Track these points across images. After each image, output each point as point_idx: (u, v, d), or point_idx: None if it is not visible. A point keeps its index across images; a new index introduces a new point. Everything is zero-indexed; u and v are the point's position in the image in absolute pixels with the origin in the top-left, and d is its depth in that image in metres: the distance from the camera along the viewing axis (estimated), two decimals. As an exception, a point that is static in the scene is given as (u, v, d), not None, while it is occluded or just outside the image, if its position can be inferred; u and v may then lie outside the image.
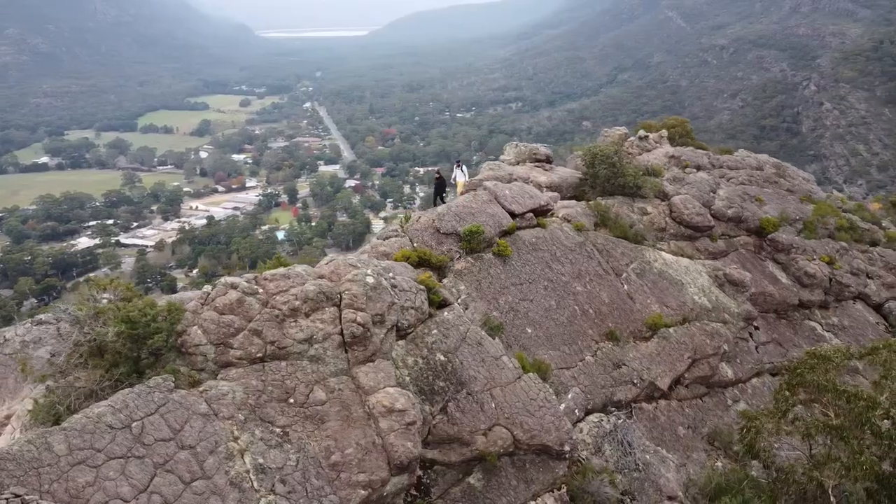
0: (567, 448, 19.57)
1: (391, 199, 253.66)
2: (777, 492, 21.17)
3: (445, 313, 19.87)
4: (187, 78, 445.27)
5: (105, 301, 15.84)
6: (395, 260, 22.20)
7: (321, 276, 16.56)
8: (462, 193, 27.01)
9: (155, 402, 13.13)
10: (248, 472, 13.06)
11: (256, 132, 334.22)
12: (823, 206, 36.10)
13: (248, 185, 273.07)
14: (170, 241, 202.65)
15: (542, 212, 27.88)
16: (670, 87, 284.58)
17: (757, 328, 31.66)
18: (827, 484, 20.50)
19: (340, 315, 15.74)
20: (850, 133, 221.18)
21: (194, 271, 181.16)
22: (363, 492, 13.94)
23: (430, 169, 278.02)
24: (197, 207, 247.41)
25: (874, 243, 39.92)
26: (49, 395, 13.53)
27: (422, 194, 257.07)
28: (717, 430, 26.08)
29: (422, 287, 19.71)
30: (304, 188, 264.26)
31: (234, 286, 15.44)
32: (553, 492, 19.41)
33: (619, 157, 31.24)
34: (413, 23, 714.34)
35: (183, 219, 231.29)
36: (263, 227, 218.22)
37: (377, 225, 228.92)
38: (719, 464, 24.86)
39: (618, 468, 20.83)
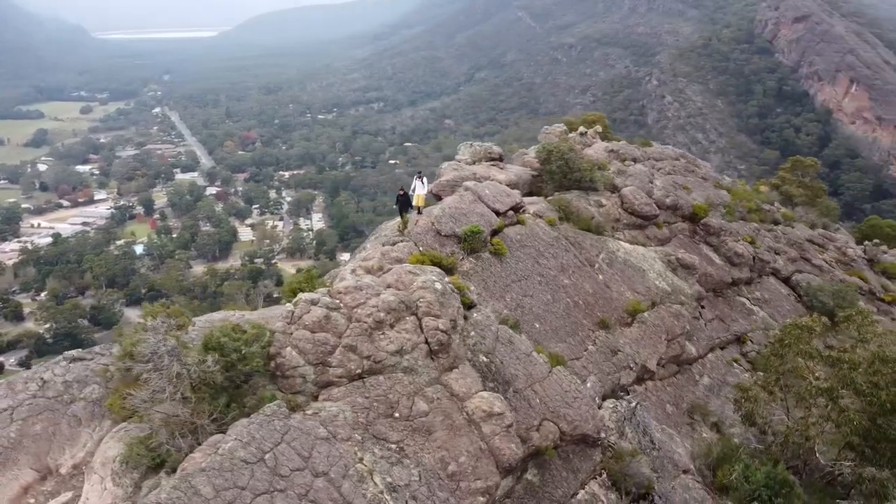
0: (602, 435, 20.35)
1: (257, 206, 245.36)
2: (777, 454, 23.15)
3: (475, 314, 19.95)
4: (17, 84, 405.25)
5: (163, 328, 14.63)
6: (410, 264, 21.96)
7: (388, 286, 16.14)
8: (420, 205, 26.29)
9: (278, 431, 12.34)
10: (381, 492, 12.61)
11: (102, 140, 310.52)
12: (739, 191, 39.44)
13: (96, 197, 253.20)
14: (10, 262, 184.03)
15: (516, 209, 28.50)
16: (526, 85, 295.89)
17: (703, 307, 34.17)
18: (814, 442, 22.77)
19: (421, 324, 15.45)
20: (689, 123, 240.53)
21: (42, 294, 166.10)
22: (482, 498, 13.86)
23: (295, 172, 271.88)
24: (39, 225, 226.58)
25: (776, 222, 44.17)
26: (151, 436, 12.30)
27: (289, 199, 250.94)
28: (695, 405, 27.98)
29: (456, 290, 19.67)
30: (160, 198, 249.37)
31: (314, 302, 14.72)
32: (596, 478, 20.10)
33: (574, 154, 32.47)
34: (265, 23, 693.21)
35: (24, 238, 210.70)
36: (119, 242, 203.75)
37: (244, 233, 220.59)
38: (705, 434, 26.72)
39: (640, 448, 21.86)
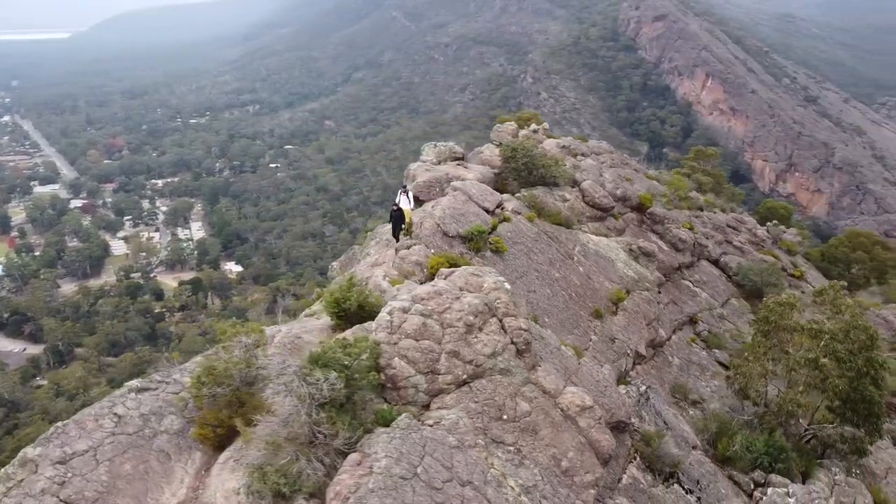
0: (633, 420, 21.18)
1: (129, 217, 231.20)
2: (770, 423, 25.00)
3: (506, 313, 20.18)
4: None
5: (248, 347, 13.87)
6: (431, 268, 21.85)
7: (461, 289, 16.02)
8: (411, 222, 24.98)
9: (418, 444, 12.04)
10: (519, 495, 12.60)
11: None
12: (675, 181, 41.91)
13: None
14: None
15: (499, 207, 28.92)
16: (404, 84, 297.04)
17: (660, 292, 36.10)
18: (805, 409, 24.83)
19: (503, 324, 15.48)
20: (565, 118, 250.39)
21: None
22: (592, 491, 14.16)
23: (170, 180, 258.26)
24: None
25: (700, 209, 47.24)
26: (288, 463, 11.58)
27: (164, 208, 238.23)
28: (676, 385, 29.59)
29: (490, 290, 19.80)
30: (18, 214, 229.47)
31: (405, 310, 14.39)
32: (632, 462, 20.88)
33: (538, 151, 33.30)
34: (124, 24, 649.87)
35: None
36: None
37: (117, 247, 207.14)
38: (691, 412, 28.33)
39: (658, 430, 22.93)
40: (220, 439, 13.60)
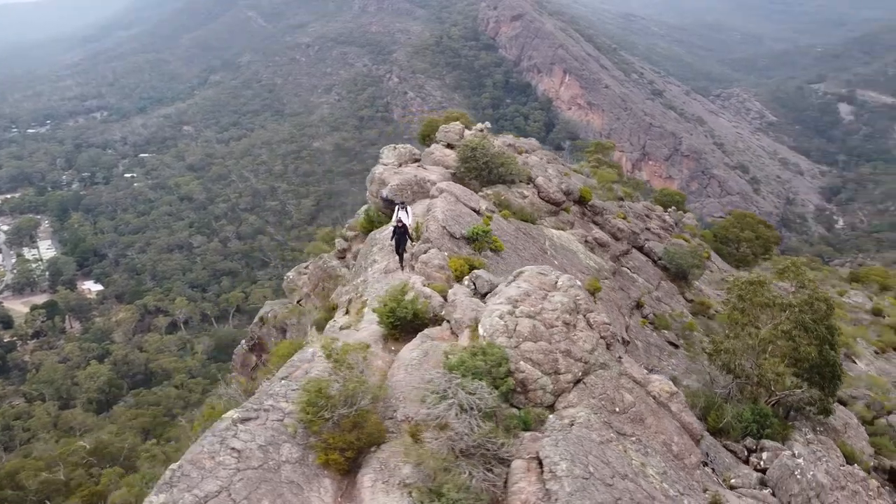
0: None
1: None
2: (755, 394, 27.04)
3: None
4: None
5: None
6: (455, 271, 21.81)
7: (540, 288, 16.16)
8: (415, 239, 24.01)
9: (577, 444, 12.13)
10: (661, 482, 13.01)
11: None
12: (602, 174, 44.02)
13: None
14: None
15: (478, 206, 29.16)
16: (266, 86, 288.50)
17: (607, 279, 37.87)
18: (778, 379, 27.10)
19: (588, 320, 15.81)
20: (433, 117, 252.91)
21: None
22: (698, 472, 14.85)
23: (9, 196, 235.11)
24: None
25: (621, 199, 49.91)
26: (469, 476, 11.26)
27: (5, 227, 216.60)
28: (649, 366, 31.25)
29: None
30: None
31: (511, 313, 14.34)
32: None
33: (496, 150, 33.85)
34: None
35: None
36: None
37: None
38: (668, 390, 30.06)
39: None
40: (348, 463, 12.99)
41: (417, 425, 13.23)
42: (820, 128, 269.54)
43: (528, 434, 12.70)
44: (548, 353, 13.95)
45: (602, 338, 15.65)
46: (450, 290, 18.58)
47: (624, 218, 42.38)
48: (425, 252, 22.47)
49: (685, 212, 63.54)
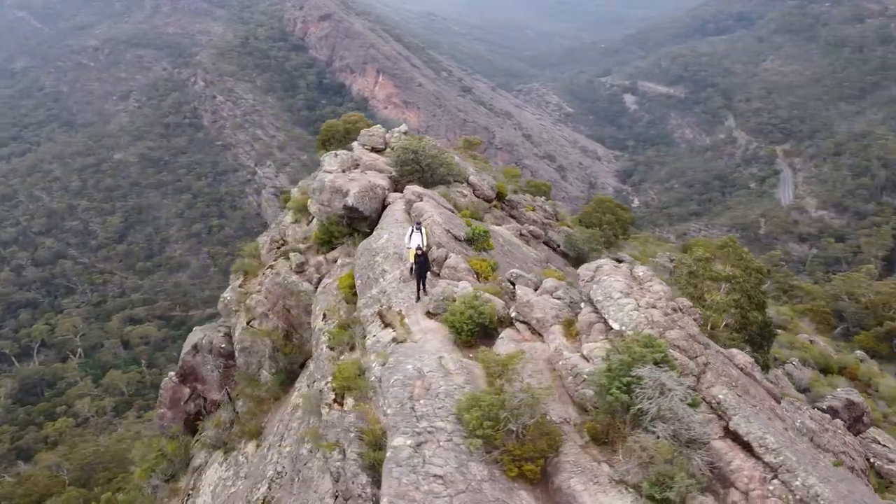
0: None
1: None
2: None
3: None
4: None
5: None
6: (477, 272, 21.96)
7: (632, 279, 16.90)
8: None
9: (756, 419, 13.05)
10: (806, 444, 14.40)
11: None
12: (508, 170, 45.70)
13: None
14: None
15: (445, 208, 29.26)
16: (50, 95, 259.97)
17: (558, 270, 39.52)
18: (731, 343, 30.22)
19: (679, 305, 16.85)
20: (247, 121, 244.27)
21: None
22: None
23: None
24: None
25: (515, 192, 51.96)
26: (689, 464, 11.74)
27: None
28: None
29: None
30: None
31: (639, 306, 14.93)
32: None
33: (438, 151, 34.02)
34: None
35: None
36: None
37: None
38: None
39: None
40: (541, 472, 12.92)
41: (594, 424, 13.49)
42: (610, 117, 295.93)
43: (698, 416, 13.44)
44: (684, 339, 14.78)
45: (694, 320, 16.77)
46: (519, 291, 18.73)
47: (533, 210, 44.36)
48: (447, 257, 22.32)
49: (550, 200, 67.45)
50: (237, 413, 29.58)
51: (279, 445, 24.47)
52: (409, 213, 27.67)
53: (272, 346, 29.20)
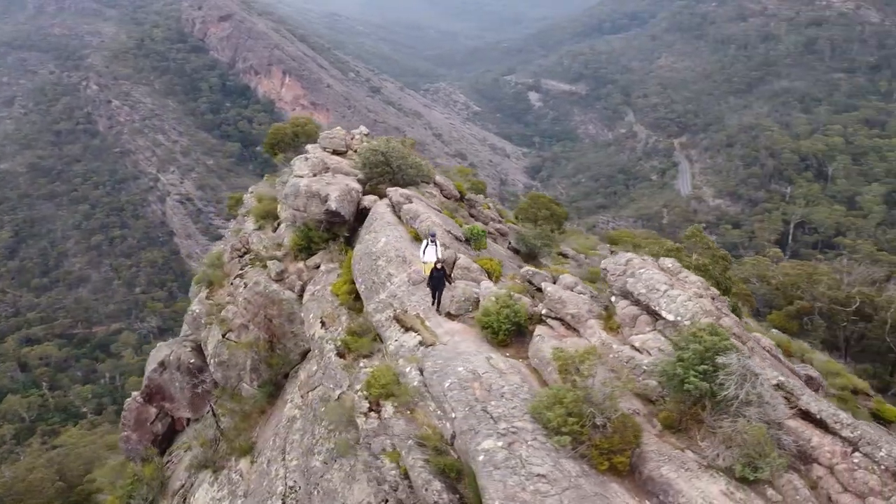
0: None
1: None
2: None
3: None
4: None
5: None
6: (488, 271, 22.09)
7: (665, 270, 17.44)
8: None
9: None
10: (844, 416, 15.38)
11: None
12: (462, 169, 45.97)
13: None
14: None
15: (427, 209, 29.13)
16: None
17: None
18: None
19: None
20: (146, 126, 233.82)
21: None
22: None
23: None
24: None
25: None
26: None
27: None
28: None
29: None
30: None
31: (690, 297, 15.47)
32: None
33: (406, 152, 33.77)
34: None
35: None
36: None
37: None
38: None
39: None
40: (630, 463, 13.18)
41: (669, 413, 13.89)
42: (516, 114, 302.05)
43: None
44: (738, 325, 15.45)
45: (717, 308, 17.52)
46: (548, 288, 18.96)
47: (489, 208, 44.79)
48: (456, 258, 22.29)
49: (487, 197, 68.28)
50: (221, 430, 28.38)
51: (282, 460, 23.70)
52: (398, 216, 27.42)
53: (255, 357, 28.20)
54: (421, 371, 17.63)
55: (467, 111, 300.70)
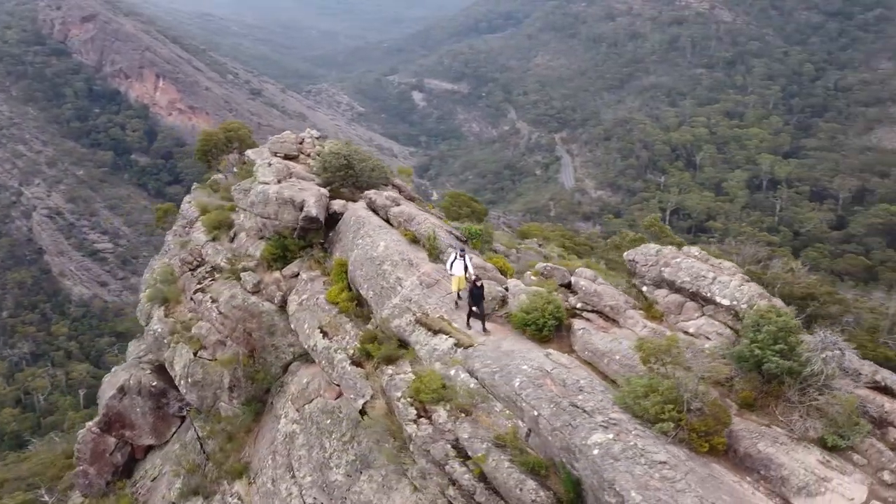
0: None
1: None
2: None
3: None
4: None
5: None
6: (501, 269, 22.31)
7: (700, 259, 18.28)
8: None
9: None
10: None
11: None
12: (402, 169, 45.88)
13: None
14: None
15: (405, 212, 28.88)
16: None
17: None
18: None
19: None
20: (4, 136, 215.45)
21: None
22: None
23: None
24: None
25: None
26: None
27: None
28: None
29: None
30: None
31: (738, 284, 16.33)
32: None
33: (367, 155, 33.27)
34: None
35: None
36: None
37: None
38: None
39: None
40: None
41: (749, 393, 14.66)
42: (401, 114, 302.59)
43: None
44: (783, 304, 16.47)
45: (747, 290, 18.62)
46: (581, 282, 19.37)
47: (433, 208, 44.90)
48: (470, 258, 22.27)
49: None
50: (207, 454, 26.83)
51: (292, 478, 22.83)
52: (385, 219, 27.03)
53: (234, 375, 26.89)
54: (471, 373, 17.56)
55: (352, 112, 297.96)
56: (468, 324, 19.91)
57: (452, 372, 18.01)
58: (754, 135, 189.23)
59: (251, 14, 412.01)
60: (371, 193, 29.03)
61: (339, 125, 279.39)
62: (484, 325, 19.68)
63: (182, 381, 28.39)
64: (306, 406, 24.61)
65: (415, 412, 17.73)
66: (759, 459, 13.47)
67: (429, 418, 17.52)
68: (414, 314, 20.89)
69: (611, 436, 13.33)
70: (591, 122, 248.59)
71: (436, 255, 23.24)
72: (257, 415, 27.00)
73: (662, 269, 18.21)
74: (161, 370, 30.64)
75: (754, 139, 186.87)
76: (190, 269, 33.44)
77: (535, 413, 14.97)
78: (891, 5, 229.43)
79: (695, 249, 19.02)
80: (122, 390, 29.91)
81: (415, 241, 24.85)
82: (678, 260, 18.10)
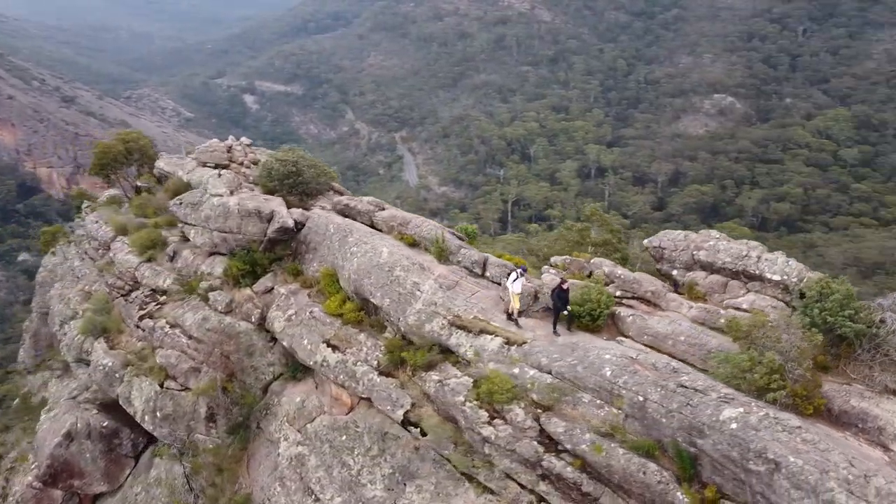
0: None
1: None
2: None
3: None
4: None
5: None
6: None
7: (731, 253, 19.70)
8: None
9: None
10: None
11: None
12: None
13: None
14: None
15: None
16: None
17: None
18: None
19: (750, 256, 20.35)
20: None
21: None
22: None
23: None
24: None
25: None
26: None
27: None
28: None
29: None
30: None
31: (786, 262, 17.87)
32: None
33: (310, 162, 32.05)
34: None
35: None
36: None
37: None
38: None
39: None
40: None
41: (823, 357, 16.16)
42: (234, 118, 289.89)
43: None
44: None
45: (762, 266, 20.41)
46: (619, 272, 20.13)
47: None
48: (485, 259, 22.33)
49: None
50: (195, 492, 24.56)
51: (316, 501, 21.68)
52: (371, 225, 26.24)
53: (215, 402, 24.90)
54: (540, 368, 17.75)
55: (179, 118, 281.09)
56: (555, 330, 19.56)
57: (516, 370, 18.06)
58: (580, 127, 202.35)
59: (52, 15, 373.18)
60: (345, 199, 28.08)
61: (166, 132, 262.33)
62: (556, 329, 19.57)
63: (147, 417, 25.73)
64: (308, 426, 23.43)
65: (486, 415, 17.61)
66: (854, 414, 14.97)
67: (503, 419, 17.48)
68: (444, 317, 20.58)
69: (740, 409, 14.18)
70: (428, 120, 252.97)
71: (445, 256, 23.00)
72: (245, 441, 25.21)
73: (694, 252, 19.47)
74: (109, 408, 27.56)
75: (580, 131, 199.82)
76: (122, 295, 30.37)
77: (641, 398, 15.50)
78: (686, 5, 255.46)
79: (714, 232, 20.52)
80: (69, 436, 26.48)
81: (413, 244, 24.40)
82: (711, 243, 19.46)
